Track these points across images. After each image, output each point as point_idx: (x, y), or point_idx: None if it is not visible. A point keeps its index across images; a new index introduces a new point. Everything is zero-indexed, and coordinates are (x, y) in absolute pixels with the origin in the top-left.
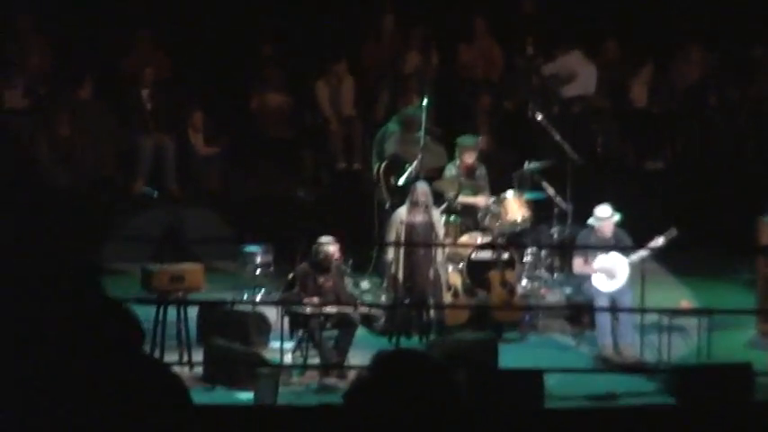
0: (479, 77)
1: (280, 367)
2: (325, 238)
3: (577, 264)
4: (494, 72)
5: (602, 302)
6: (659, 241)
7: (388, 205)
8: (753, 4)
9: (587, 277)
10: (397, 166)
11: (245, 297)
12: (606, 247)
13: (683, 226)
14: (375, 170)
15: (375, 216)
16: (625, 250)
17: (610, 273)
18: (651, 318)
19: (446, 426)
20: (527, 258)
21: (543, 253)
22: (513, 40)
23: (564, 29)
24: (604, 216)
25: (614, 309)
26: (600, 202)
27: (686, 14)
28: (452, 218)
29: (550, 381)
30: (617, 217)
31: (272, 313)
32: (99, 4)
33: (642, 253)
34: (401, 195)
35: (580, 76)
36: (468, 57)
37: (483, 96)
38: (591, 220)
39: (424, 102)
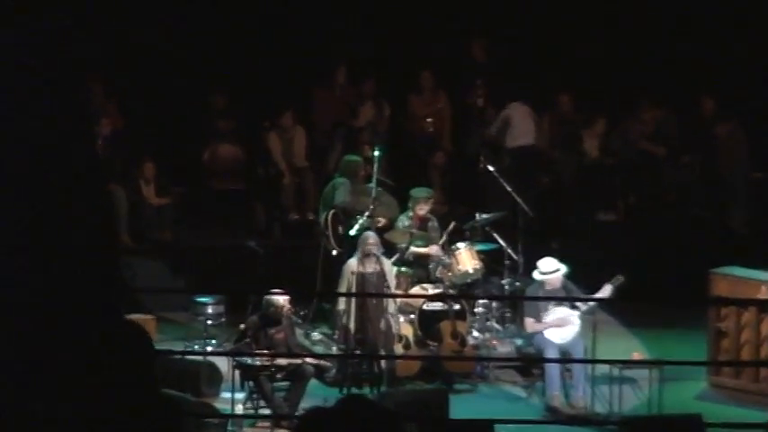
0: (430, 130)
1: (228, 417)
2: (275, 291)
3: (529, 323)
4: (443, 125)
5: (552, 353)
6: (607, 290)
7: (335, 253)
8: (702, 62)
9: (539, 331)
10: (344, 216)
11: (197, 348)
12: (555, 298)
13: (634, 278)
14: (323, 219)
15: (319, 264)
16: (575, 302)
17: (563, 322)
18: (602, 369)
19: None
20: (478, 309)
21: (494, 304)
22: (462, 92)
23: (514, 82)
24: (549, 270)
25: (565, 360)
26: (551, 254)
27: (639, 72)
28: (404, 268)
29: None
30: (564, 269)
31: (223, 364)
32: None
33: (591, 303)
34: (352, 246)
35: (520, 125)
36: (417, 109)
37: (436, 152)
38: (535, 274)
39: (376, 153)
